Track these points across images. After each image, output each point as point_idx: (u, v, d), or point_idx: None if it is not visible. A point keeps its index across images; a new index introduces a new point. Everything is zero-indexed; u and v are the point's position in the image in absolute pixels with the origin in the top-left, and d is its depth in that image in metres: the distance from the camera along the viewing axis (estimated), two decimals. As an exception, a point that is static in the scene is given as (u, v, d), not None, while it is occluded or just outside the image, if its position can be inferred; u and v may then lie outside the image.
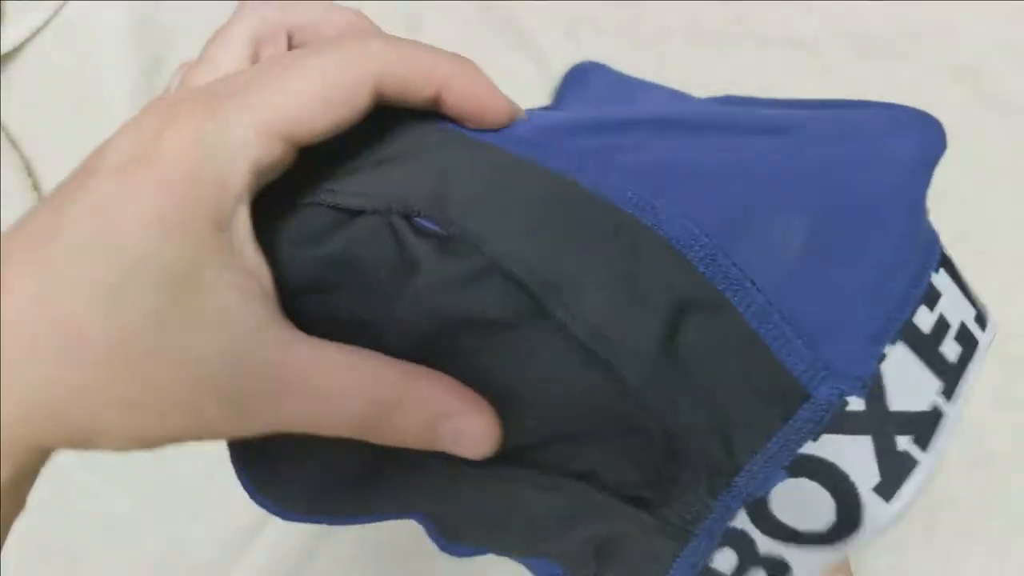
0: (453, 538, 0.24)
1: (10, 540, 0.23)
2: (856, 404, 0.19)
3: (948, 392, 0.20)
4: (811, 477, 0.19)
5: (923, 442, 0.19)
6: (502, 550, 0.24)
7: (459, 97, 0.20)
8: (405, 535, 0.43)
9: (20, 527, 0.23)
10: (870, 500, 0.19)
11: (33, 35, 0.54)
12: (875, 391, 0.19)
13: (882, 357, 0.19)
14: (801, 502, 0.19)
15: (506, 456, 0.20)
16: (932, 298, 0.20)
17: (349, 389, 0.18)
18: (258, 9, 0.23)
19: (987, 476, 0.45)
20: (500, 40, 0.52)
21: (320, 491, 0.23)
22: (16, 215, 0.55)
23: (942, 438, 0.19)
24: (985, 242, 0.48)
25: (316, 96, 0.18)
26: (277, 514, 0.23)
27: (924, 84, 0.49)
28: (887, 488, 0.19)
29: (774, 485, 0.19)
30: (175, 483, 0.47)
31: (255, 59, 0.22)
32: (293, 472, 0.22)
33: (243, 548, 0.47)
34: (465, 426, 0.19)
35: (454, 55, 0.20)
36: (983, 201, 0.48)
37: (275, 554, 0.47)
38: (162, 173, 0.16)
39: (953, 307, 0.21)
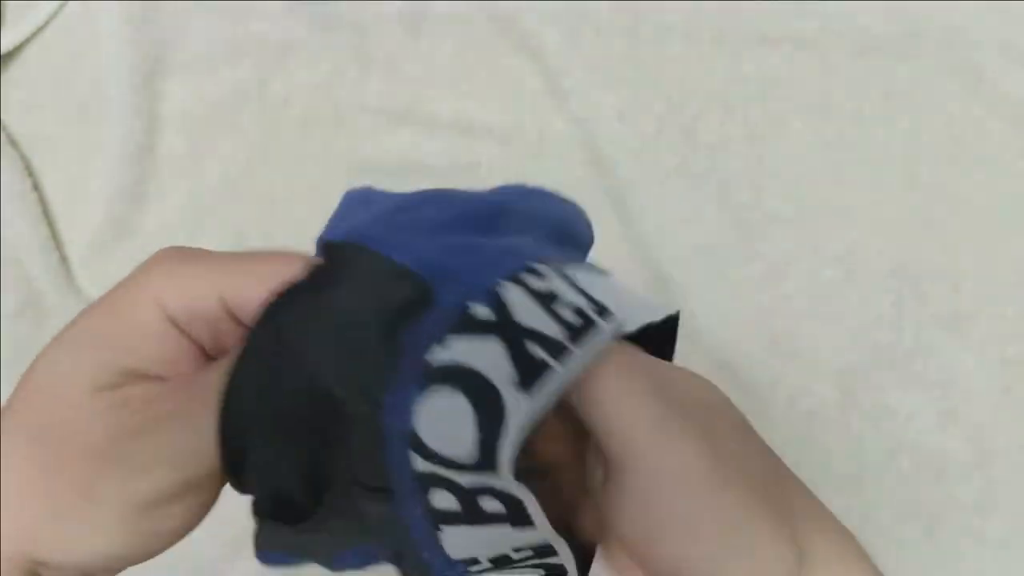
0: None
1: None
2: (484, 313, 0.20)
3: (568, 340, 0.21)
4: (447, 382, 0.20)
5: (555, 354, 0.20)
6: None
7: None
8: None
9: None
10: (508, 393, 0.20)
11: (33, 35, 0.54)
12: (501, 307, 0.20)
13: (499, 284, 0.21)
14: (445, 422, 0.20)
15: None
16: (543, 275, 0.22)
17: None
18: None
19: (987, 476, 0.45)
20: (500, 40, 0.52)
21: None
22: (16, 215, 0.55)
23: (574, 362, 0.20)
24: (985, 242, 0.48)
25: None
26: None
27: (924, 84, 0.49)
28: (525, 381, 0.20)
29: (417, 407, 0.20)
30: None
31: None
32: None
33: (244, 548, 0.47)
34: None
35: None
36: (983, 201, 0.48)
37: (275, 554, 0.47)
38: None
39: (566, 294, 0.22)
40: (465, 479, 0.20)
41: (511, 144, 0.51)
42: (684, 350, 0.48)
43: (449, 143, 0.51)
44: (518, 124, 0.51)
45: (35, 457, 0.22)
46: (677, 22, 0.51)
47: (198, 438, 0.22)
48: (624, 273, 0.49)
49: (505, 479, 0.20)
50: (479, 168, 0.51)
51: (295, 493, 0.23)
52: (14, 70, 0.54)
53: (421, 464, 0.20)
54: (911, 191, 0.48)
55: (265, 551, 0.25)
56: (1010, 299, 0.47)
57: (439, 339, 0.20)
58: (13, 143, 0.53)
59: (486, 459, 0.20)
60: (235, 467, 0.22)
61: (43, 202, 0.53)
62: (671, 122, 0.50)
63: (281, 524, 0.23)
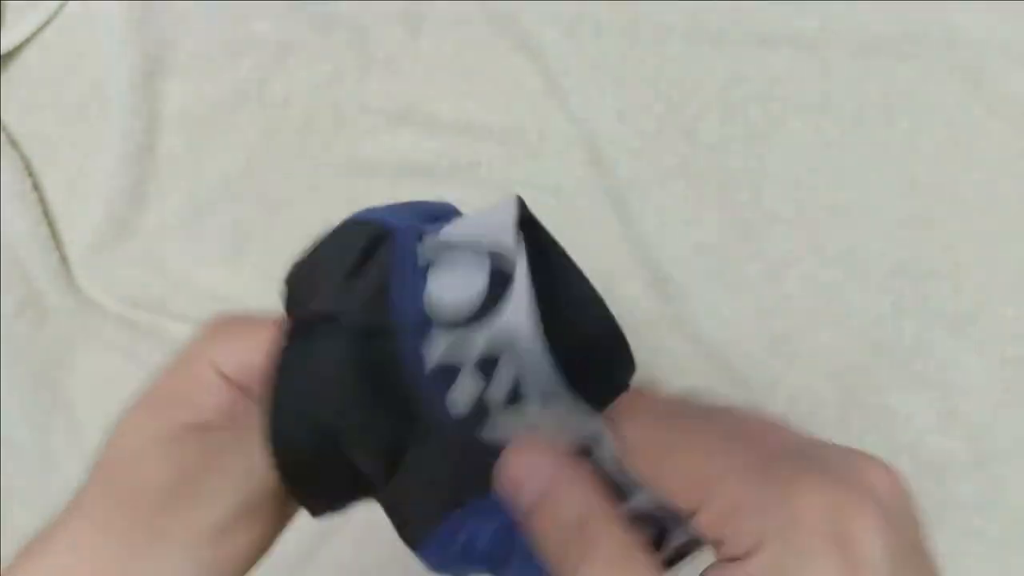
0: None
1: (12, 540, 0.23)
2: (434, 236, 0.24)
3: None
4: (443, 251, 0.23)
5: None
6: None
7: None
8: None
9: (24, 527, 0.23)
10: (500, 248, 0.23)
11: (33, 35, 0.54)
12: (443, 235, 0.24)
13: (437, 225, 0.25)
14: (453, 276, 0.23)
15: None
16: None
17: None
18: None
19: (989, 476, 0.45)
20: (500, 40, 0.52)
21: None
22: (16, 215, 0.55)
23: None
24: (985, 242, 0.48)
25: None
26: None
27: (924, 84, 0.49)
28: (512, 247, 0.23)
29: (424, 285, 0.23)
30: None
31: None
32: None
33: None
34: None
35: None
36: (983, 201, 0.48)
37: (276, 553, 0.47)
38: None
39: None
40: (481, 341, 0.22)
41: (511, 144, 0.51)
42: (684, 350, 0.48)
43: (449, 143, 0.51)
44: (518, 124, 0.51)
45: (109, 505, 0.24)
46: (677, 22, 0.51)
47: (249, 458, 0.24)
48: (624, 273, 0.49)
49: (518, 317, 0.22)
50: (479, 168, 0.51)
51: (391, 432, 0.23)
52: (14, 70, 0.54)
53: (440, 342, 0.22)
54: (911, 191, 0.48)
55: (427, 533, 0.24)
56: (1010, 299, 0.47)
57: (419, 237, 0.23)
58: (13, 143, 0.53)
59: (500, 280, 0.22)
60: (302, 480, 0.24)
61: (43, 202, 0.53)
62: (671, 122, 0.50)
63: (415, 476, 0.23)
